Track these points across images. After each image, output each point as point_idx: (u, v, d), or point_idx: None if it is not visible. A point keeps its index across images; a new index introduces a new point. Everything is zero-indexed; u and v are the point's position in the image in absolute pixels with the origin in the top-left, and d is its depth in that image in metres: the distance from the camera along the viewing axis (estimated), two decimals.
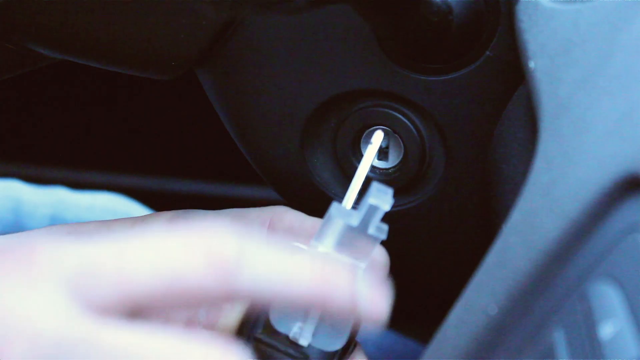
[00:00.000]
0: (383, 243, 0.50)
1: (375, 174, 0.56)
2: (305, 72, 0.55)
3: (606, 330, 0.32)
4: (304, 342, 0.46)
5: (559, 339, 0.34)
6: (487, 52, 0.52)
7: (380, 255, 0.49)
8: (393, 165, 0.56)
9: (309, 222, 0.52)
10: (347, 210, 0.44)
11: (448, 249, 0.59)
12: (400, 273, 0.54)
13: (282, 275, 0.37)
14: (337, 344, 0.47)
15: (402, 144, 0.55)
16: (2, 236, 0.43)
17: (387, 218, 0.50)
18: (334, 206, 0.44)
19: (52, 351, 0.34)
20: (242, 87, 0.56)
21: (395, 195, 0.56)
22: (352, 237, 0.44)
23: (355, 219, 0.44)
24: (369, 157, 0.52)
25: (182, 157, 1.14)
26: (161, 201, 1.00)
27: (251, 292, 0.36)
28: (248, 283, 0.36)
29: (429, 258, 0.59)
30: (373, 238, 0.44)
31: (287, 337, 0.46)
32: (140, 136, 1.15)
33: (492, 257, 0.39)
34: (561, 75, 0.42)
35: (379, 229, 0.44)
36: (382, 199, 0.44)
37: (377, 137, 0.54)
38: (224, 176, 1.12)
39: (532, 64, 0.44)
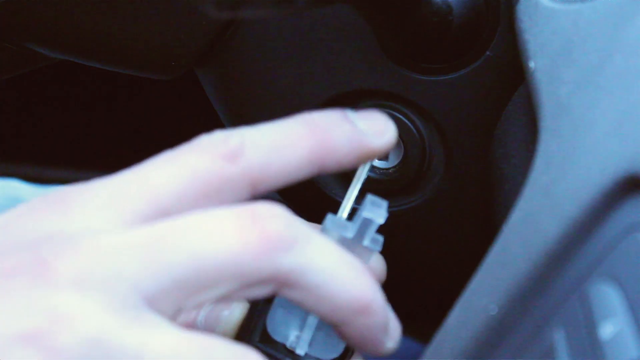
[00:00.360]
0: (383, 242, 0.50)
1: (375, 174, 0.56)
2: (305, 72, 0.55)
3: (606, 330, 0.32)
4: (300, 351, 0.46)
5: (559, 339, 0.34)
6: (487, 52, 0.52)
7: (376, 263, 0.49)
8: (393, 165, 0.56)
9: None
10: (342, 222, 0.44)
11: (448, 249, 0.59)
12: (401, 273, 0.54)
13: (337, 274, 0.36)
14: (333, 353, 0.47)
15: (402, 144, 0.55)
16: None
17: (388, 218, 0.50)
18: (329, 218, 0.44)
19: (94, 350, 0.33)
20: (242, 87, 0.56)
21: (395, 196, 0.56)
22: (348, 247, 0.44)
23: (350, 232, 0.44)
24: (362, 172, 0.52)
25: None
26: None
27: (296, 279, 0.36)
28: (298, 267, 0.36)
29: (429, 258, 0.59)
30: (368, 249, 0.44)
31: (284, 345, 0.46)
32: (140, 136, 1.15)
33: (492, 257, 0.39)
34: (561, 75, 0.42)
35: (374, 241, 0.44)
36: (377, 212, 0.44)
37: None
38: None
39: (532, 64, 0.44)
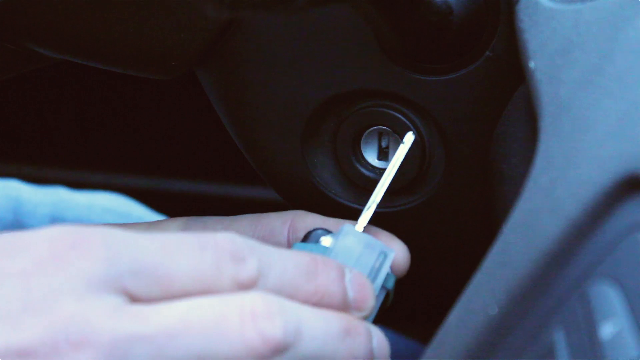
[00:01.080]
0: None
1: (375, 174, 0.56)
2: (305, 72, 0.55)
3: (606, 330, 0.32)
4: None
5: (559, 339, 0.34)
6: (487, 52, 0.52)
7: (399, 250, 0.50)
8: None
9: (330, 222, 0.52)
10: (359, 233, 0.46)
11: (448, 249, 0.59)
12: None
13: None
14: None
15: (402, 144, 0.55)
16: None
17: (388, 218, 0.50)
18: (347, 229, 0.45)
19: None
20: (242, 87, 0.56)
21: (395, 195, 0.56)
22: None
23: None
24: (397, 161, 0.53)
25: (182, 157, 1.14)
26: (161, 201, 1.00)
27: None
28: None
29: (429, 258, 0.59)
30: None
31: None
32: (140, 136, 1.15)
33: (492, 257, 0.39)
34: (561, 75, 0.42)
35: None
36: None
37: (409, 138, 0.54)
38: (224, 176, 1.12)
39: (532, 64, 0.44)
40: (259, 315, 0.38)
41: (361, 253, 0.47)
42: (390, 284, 0.49)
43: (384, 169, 0.55)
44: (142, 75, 0.57)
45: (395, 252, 0.49)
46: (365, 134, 0.55)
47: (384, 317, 0.49)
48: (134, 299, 0.37)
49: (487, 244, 0.40)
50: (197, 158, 1.13)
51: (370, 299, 0.43)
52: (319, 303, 0.41)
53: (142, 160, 1.14)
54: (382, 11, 0.49)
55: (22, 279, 0.36)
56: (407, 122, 0.54)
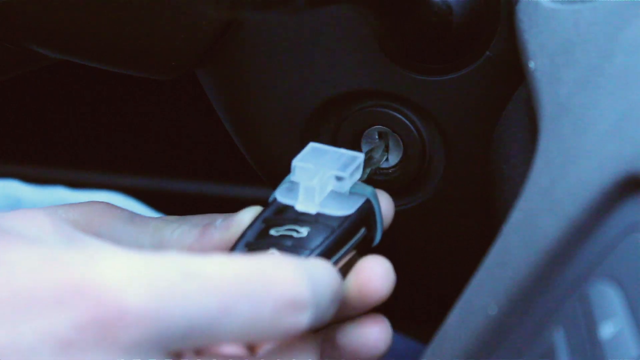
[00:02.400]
0: (383, 242, 0.50)
1: (375, 175, 0.55)
2: (305, 72, 0.54)
3: (606, 330, 0.32)
4: (312, 210, 0.47)
5: (559, 339, 0.34)
6: (487, 52, 0.52)
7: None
8: (393, 165, 0.55)
9: None
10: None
11: (448, 249, 0.59)
12: (401, 273, 0.54)
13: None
14: (346, 210, 0.48)
15: (402, 144, 0.55)
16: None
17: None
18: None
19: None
20: (242, 87, 0.56)
21: (395, 196, 0.56)
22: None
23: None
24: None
25: (182, 157, 1.14)
26: (161, 201, 1.00)
27: None
28: None
29: (429, 258, 0.59)
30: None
31: (293, 208, 0.48)
32: (140, 136, 1.15)
33: (492, 257, 0.39)
34: (561, 75, 0.42)
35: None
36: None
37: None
38: (224, 176, 1.12)
39: (532, 64, 0.44)
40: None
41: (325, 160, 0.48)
42: (369, 192, 0.49)
43: (384, 169, 0.56)
44: (142, 75, 0.57)
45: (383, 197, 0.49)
46: (365, 134, 0.55)
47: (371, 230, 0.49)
48: (175, 353, 0.35)
49: (487, 244, 0.40)
50: (197, 158, 1.13)
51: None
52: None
53: (142, 160, 1.14)
54: (382, 11, 0.49)
55: (62, 349, 0.32)
56: (407, 122, 0.54)
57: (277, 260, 0.37)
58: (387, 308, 0.49)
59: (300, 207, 0.47)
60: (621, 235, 0.34)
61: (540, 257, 0.36)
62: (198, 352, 0.37)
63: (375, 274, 0.44)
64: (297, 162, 0.48)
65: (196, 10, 0.52)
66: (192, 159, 1.14)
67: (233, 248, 0.46)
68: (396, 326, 0.68)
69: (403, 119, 0.54)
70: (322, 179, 0.48)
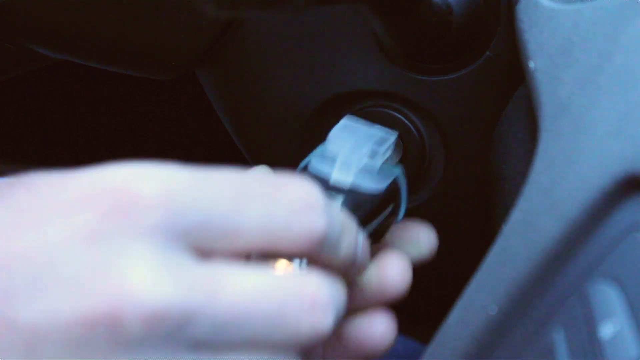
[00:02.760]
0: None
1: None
2: (305, 72, 0.55)
3: (606, 330, 0.32)
4: (346, 181, 0.48)
5: (559, 339, 0.34)
6: (487, 52, 0.52)
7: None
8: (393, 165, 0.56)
9: None
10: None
11: (448, 249, 0.59)
12: None
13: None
14: (379, 185, 0.48)
15: (402, 144, 0.55)
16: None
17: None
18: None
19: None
20: (242, 87, 0.56)
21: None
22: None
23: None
24: None
25: (182, 157, 1.14)
26: None
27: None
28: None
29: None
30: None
31: (327, 182, 0.48)
32: (140, 136, 1.15)
33: (492, 257, 0.39)
34: (561, 75, 0.42)
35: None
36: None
37: None
38: None
39: (532, 64, 0.44)
40: (317, 311, 0.37)
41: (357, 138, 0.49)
42: (398, 171, 0.49)
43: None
44: (142, 75, 0.57)
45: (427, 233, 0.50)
46: None
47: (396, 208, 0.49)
48: (196, 250, 0.35)
49: (487, 244, 0.40)
50: (197, 158, 1.13)
51: (366, 263, 0.44)
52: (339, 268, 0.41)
53: (142, 160, 1.14)
54: (382, 12, 0.49)
55: (87, 241, 0.34)
56: (407, 122, 0.54)
57: (287, 174, 0.38)
58: (386, 308, 0.50)
59: (335, 177, 0.48)
60: (621, 235, 0.34)
61: (540, 257, 0.36)
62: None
63: (398, 268, 0.45)
64: (335, 134, 0.49)
65: (196, 10, 0.52)
66: (192, 159, 1.14)
67: None
68: (397, 326, 0.68)
69: (403, 119, 0.54)
70: (359, 153, 0.48)
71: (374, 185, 0.48)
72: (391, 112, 0.54)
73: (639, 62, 0.38)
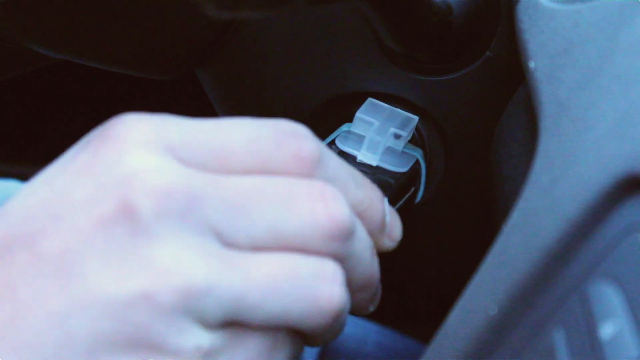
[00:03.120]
0: None
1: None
2: (305, 72, 0.55)
3: (606, 330, 0.32)
4: (373, 161, 0.49)
5: (559, 339, 0.34)
6: (487, 52, 0.52)
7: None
8: None
9: None
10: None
11: (448, 249, 0.59)
12: (401, 273, 0.54)
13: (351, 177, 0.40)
14: (402, 168, 0.50)
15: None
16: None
17: None
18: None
19: None
20: (242, 87, 0.56)
21: (395, 195, 0.56)
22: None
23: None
24: None
25: None
26: None
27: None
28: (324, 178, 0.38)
29: (429, 258, 0.59)
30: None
31: (354, 158, 0.50)
32: None
33: (492, 257, 0.39)
34: (561, 75, 0.42)
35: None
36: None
37: None
38: None
39: (532, 64, 0.44)
40: (328, 198, 0.37)
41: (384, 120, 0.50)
42: (419, 154, 0.50)
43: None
44: (142, 75, 0.57)
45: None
46: None
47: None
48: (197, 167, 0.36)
49: (487, 244, 0.40)
50: None
51: (399, 233, 0.43)
52: (361, 214, 0.40)
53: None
54: (382, 12, 0.49)
55: (118, 225, 0.34)
56: None
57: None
58: (387, 308, 0.49)
59: (362, 157, 0.49)
60: (621, 235, 0.34)
61: (540, 257, 0.36)
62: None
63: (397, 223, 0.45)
64: (360, 115, 0.49)
65: (196, 10, 0.52)
66: None
67: None
68: (396, 326, 0.69)
69: None
70: (385, 134, 0.49)
71: (397, 167, 0.49)
72: None
73: (639, 62, 0.38)
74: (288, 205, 0.36)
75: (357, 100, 0.55)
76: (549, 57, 0.44)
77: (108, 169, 0.35)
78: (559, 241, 0.36)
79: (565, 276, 0.36)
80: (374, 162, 0.49)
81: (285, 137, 0.37)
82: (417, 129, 0.54)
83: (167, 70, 0.55)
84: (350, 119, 0.55)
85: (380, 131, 0.49)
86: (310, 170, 0.37)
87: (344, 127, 0.51)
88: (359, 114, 0.50)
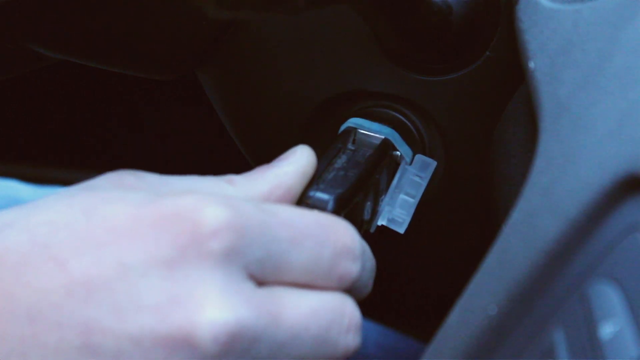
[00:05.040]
0: (383, 242, 0.50)
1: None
2: (305, 72, 0.55)
3: (606, 330, 0.32)
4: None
5: (559, 339, 0.34)
6: (487, 52, 0.52)
7: None
8: None
9: None
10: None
11: (448, 248, 0.59)
12: (401, 273, 0.54)
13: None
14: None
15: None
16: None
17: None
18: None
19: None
20: (242, 87, 0.56)
21: None
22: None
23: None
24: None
25: (182, 157, 1.14)
26: None
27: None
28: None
29: (430, 258, 0.59)
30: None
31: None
32: (140, 136, 1.15)
33: (492, 257, 0.39)
34: (561, 75, 0.42)
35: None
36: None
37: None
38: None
39: (532, 64, 0.44)
40: (352, 329, 0.40)
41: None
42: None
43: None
44: (142, 75, 0.57)
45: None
46: None
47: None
48: (252, 278, 0.38)
49: (487, 244, 0.40)
50: (197, 158, 1.13)
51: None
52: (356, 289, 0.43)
53: (141, 160, 1.14)
54: (382, 12, 0.49)
55: (161, 266, 0.36)
56: (407, 123, 0.54)
57: (335, 217, 0.42)
58: (388, 308, 0.49)
59: (394, 215, 0.52)
60: (621, 235, 0.34)
61: (540, 257, 0.36)
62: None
63: None
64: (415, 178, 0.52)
65: (196, 11, 0.52)
66: (192, 159, 1.14)
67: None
68: (396, 326, 0.69)
69: (403, 119, 0.54)
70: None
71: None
72: (391, 112, 0.54)
73: (639, 62, 0.38)
74: (323, 339, 0.39)
75: (357, 100, 0.55)
76: (549, 57, 0.44)
77: (182, 285, 0.36)
78: (559, 241, 0.36)
79: (565, 276, 0.36)
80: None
81: (339, 260, 0.40)
82: (417, 129, 0.54)
83: (167, 70, 0.55)
84: (350, 118, 0.55)
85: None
86: (346, 288, 0.41)
87: (352, 120, 0.52)
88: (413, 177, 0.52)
